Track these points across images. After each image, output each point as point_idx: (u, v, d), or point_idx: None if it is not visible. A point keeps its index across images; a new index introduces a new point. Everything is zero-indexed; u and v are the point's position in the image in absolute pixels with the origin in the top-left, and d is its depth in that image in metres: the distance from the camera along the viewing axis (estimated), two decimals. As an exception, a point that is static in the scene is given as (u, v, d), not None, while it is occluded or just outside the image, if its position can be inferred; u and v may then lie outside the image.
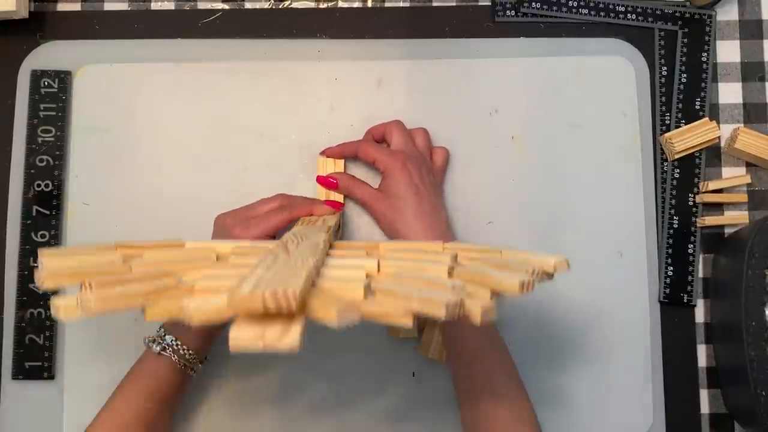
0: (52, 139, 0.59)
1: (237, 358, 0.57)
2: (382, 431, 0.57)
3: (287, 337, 0.27)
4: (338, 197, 0.58)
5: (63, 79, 0.60)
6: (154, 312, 0.33)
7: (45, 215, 0.58)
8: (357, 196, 0.56)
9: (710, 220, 0.59)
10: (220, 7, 0.62)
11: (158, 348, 0.48)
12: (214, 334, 0.51)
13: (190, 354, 0.49)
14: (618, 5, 0.61)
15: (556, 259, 0.36)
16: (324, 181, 0.57)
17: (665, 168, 0.60)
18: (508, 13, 0.61)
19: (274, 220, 0.51)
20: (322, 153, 0.58)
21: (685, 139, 0.59)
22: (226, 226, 0.51)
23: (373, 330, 0.58)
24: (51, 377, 0.57)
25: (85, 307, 0.32)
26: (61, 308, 0.33)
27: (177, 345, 0.48)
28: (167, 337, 0.49)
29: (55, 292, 0.36)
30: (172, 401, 0.49)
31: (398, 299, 0.31)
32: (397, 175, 0.53)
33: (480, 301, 0.31)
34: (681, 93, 0.61)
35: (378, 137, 0.58)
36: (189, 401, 0.56)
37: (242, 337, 0.28)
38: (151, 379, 0.48)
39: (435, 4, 0.62)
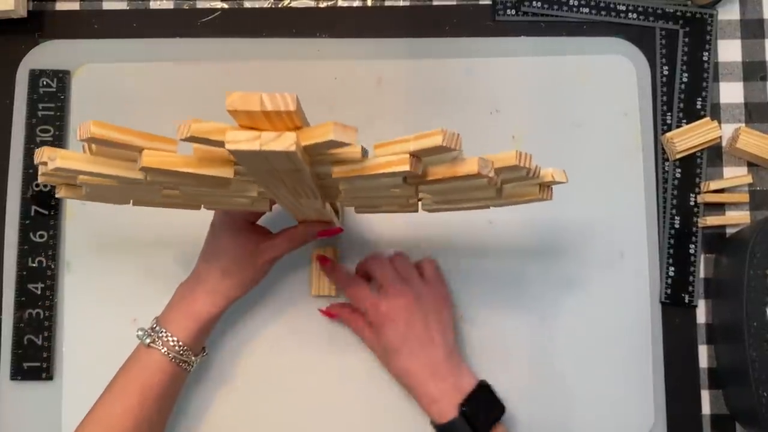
0: (50, 138, 0.59)
1: (241, 357, 0.57)
2: (382, 431, 0.57)
3: (283, 140, 0.28)
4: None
5: (62, 78, 0.60)
6: (151, 159, 0.34)
7: (43, 215, 0.58)
8: (357, 335, 0.56)
9: (711, 220, 0.59)
10: (219, 6, 0.62)
11: (148, 340, 0.48)
12: (207, 326, 0.50)
13: (180, 346, 0.48)
14: (619, 4, 0.61)
15: (554, 170, 0.39)
16: (326, 314, 0.57)
17: (666, 168, 0.60)
18: (508, 12, 0.61)
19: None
20: (321, 262, 0.57)
21: (687, 138, 0.59)
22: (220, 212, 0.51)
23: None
24: (49, 378, 0.57)
25: (83, 134, 0.33)
26: (62, 188, 0.38)
27: (167, 337, 0.48)
28: (158, 329, 0.49)
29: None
30: (164, 396, 0.49)
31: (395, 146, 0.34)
32: (384, 330, 0.52)
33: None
34: (682, 92, 0.60)
35: (363, 275, 0.56)
36: (188, 402, 0.56)
37: (239, 138, 0.28)
38: (142, 372, 0.48)
39: (435, 3, 0.62)
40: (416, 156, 0.34)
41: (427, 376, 0.50)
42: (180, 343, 0.48)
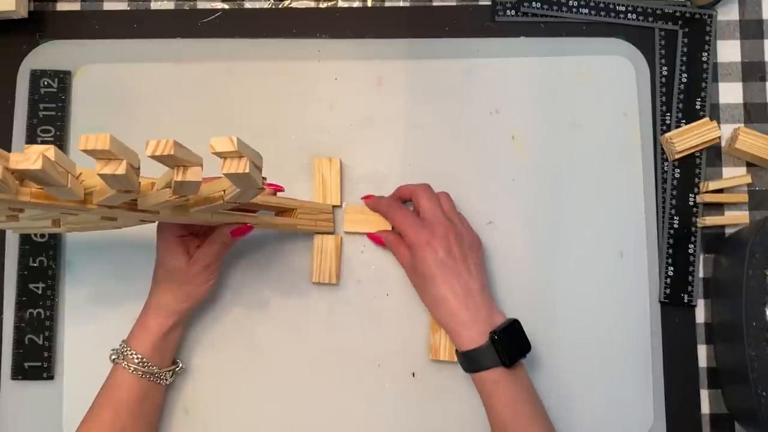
0: (51, 139, 0.59)
1: (242, 345, 0.57)
2: (382, 418, 0.57)
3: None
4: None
5: (62, 78, 0.60)
6: None
7: (44, 215, 0.58)
8: (397, 259, 0.57)
9: (711, 220, 0.59)
10: (219, 7, 0.62)
11: (114, 357, 0.51)
12: (165, 340, 0.52)
13: (143, 362, 0.50)
14: (618, 5, 0.61)
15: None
16: (372, 239, 0.58)
17: (666, 168, 0.60)
18: (508, 12, 0.61)
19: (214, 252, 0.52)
20: (364, 199, 0.59)
21: (686, 139, 0.59)
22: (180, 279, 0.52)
23: (373, 332, 0.58)
24: (50, 377, 0.57)
25: None
26: None
27: (132, 354, 0.50)
28: (123, 347, 0.51)
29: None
30: (136, 410, 0.51)
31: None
32: (422, 254, 0.52)
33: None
34: (681, 93, 0.61)
35: (405, 198, 0.57)
36: (189, 395, 0.56)
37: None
38: (112, 389, 0.50)
39: (435, 3, 0.62)
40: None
41: (461, 303, 0.51)
42: (143, 359, 0.51)
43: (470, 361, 0.51)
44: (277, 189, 0.55)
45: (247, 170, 0.35)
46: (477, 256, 0.54)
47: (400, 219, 0.55)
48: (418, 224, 0.53)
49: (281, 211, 0.55)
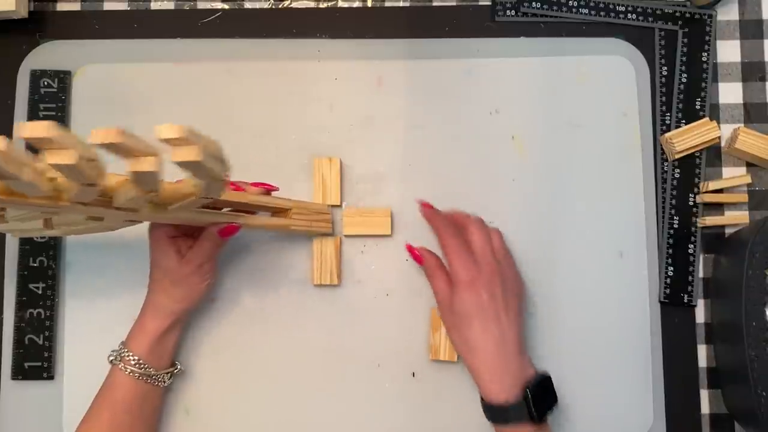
0: (51, 139, 0.59)
1: (242, 346, 0.57)
2: (383, 418, 0.57)
3: None
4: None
5: (62, 79, 0.60)
6: None
7: (44, 215, 0.58)
8: (432, 287, 0.54)
9: (711, 220, 0.59)
10: (219, 7, 0.62)
11: (111, 358, 0.51)
12: (163, 341, 0.52)
13: (140, 364, 0.50)
14: (618, 5, 0.61)
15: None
16: (412, 253, 0.56)
17: (665, 168, 0.60)
18: (508, 12, 0.61)
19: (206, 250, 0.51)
20: (422, 205, 0.56)
21: (686, 139, 0.59)
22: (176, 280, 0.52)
23: (373, 332, 0.58)
24: (50, 377, 0.57)
25: None
26: None
27: (129, 356, 0.50)
28: (122, 349, 0.51)
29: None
30: (134, 411, 0.51)
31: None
32: (464, 294, 0.50)
33: None
34: (681, 93, 0.61)
35: (457, 224, 0.55)
36: (191, 394, 0.56)
37: None
38: (114, 392, 0.50)
39: (435, 3, 0.62)
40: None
41: (495, 352, 0.49)
42: (141, 361, 0.50)
43: (496, 415, 0.49)
44: (270, 189, 0.54)
45: (200, 158, 0.34)
46: (519, 303, 0.53)
47: (453, 247, 0.52)
48: (470, 260, 0.51)
49: (277, 211, 0.54)
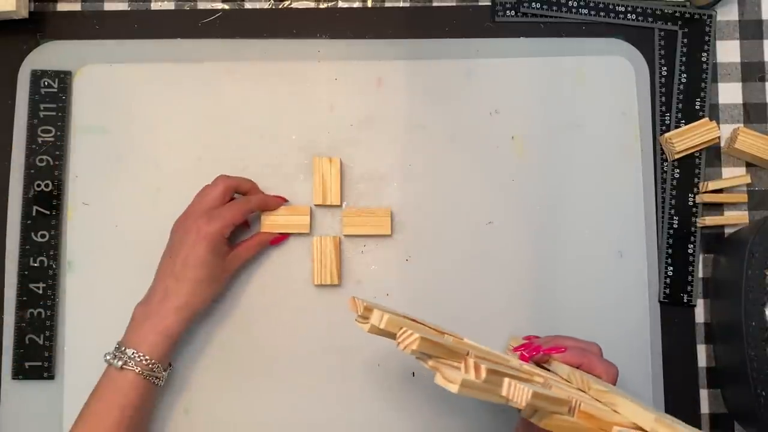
0: (52, 139, 0.59)
1: (243, 346, 0.57)
2: (382, 430, 0.57)
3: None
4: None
5: (63, 79, 0.60)
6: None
7: (45, 215, 0.58)
8: (597, 370, 0.48)
9: (710, 220, 0.59)
10: (220, 7, 0.62)
11: (120, 363, 0.49)
12: (177, 341, 0.52)
13: (152, 363, 0.50)
14: (618, 5, 0.61)
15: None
16: (521, 355, 0.50)
17: (665, 168, 0.60)
18: (508, 13, 0.61)
19: (234, 212, 0.53)
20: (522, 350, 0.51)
21: (685, 139, 0.59)
22: (187, 227, 0.53)
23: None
24: (51, 377, 0.57)
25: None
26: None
27: (140, 357, 0.50)
28: (127, 350, 0.50)
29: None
30: (140, 413, 0.50)
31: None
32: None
33: None
34: (681, 93, 0.61)
35: (574, 363, 0.49)
36: (192, 393, 0.57)
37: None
38: (116, 394, 0.49)
39: (435, 4, 0.62)
40: None
41: None
42: (153, 361, 0.50)
43: None
44: (281, 201, 0.58)
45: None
46: None
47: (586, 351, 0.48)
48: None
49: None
